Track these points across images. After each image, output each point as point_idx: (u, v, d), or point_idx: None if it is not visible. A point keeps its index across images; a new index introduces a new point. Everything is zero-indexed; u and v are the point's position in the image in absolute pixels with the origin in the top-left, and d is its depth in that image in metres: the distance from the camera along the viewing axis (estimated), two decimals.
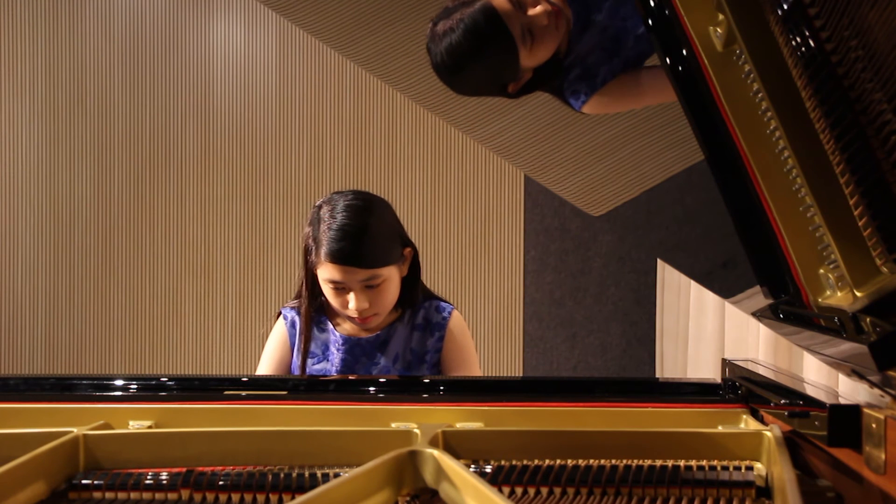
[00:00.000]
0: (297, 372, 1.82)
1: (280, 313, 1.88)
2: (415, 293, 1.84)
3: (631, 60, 1.59)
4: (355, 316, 1.73)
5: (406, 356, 1.82)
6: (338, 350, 1.81)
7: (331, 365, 1.81)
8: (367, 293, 1.70)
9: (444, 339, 1.83)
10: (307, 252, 1.74)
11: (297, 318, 1.83)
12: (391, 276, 1.73)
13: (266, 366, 1.85)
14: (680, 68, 0.97)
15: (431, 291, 1.91)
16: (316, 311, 1.84)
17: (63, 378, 1.37)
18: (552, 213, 3.93)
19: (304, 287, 1.81)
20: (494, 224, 3.99)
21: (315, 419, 1.23)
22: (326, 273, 1.70)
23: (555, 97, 1.70)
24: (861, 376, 0.87)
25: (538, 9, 1.50)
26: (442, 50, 1.54)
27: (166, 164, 4.13)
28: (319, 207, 1.75)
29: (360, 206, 1.72)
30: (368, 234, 1.69)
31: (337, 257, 1.67)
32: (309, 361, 1.83)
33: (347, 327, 1.83)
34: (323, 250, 1.68)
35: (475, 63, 1.54)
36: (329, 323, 1.84)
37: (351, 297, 1.70)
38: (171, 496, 1.00)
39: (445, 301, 1.88)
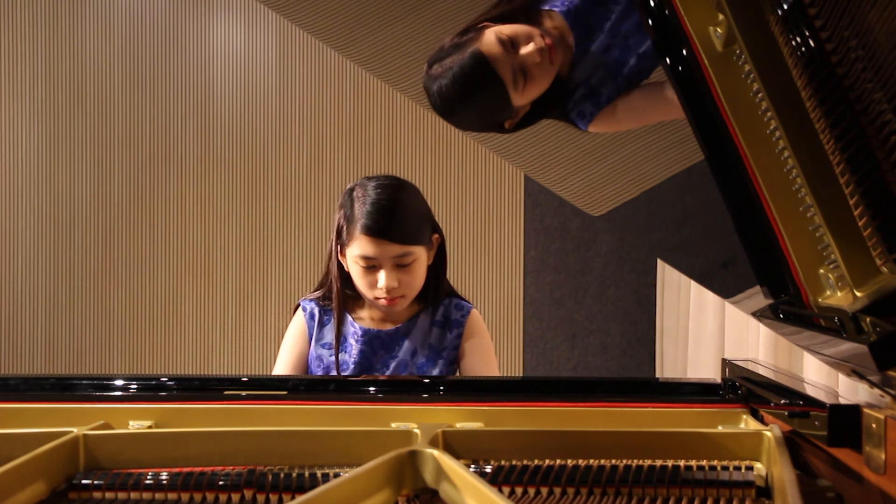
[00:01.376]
0: (325, 362, 1.82)
1: (299, 305, 1.89)
2: (440, 286, 1.86)
3: (634, 78, 1.59)
4: (383, 296, 1.74)
5: (424, 351, 1.83)
6: (356, 342, 1.81)
7: (349, 357, 1.82)
8: (397, 272, 1.73)
9: (462, 337, 1.84)
10: (339, 232, 1.77)
11: (315, 310, 1.85)
12: (420, 257, 1.76)
13: (284, 359, 1.86)
14: (680, 68, 0.97)
15: (454, 290, 1.92)
16: (335, 303, 1.85)
17: (63, 378, 1.37)
18: (552, 213, 3.93)
19: (332, 263, 1.82)
20: (494, 224, 3.99)
21: (315, 419, 1.23)
22: (359, 248, 1.72)
23: (561, 121, 1.69)
24: (861, 376, 0.87)
25: (530, 47, 1.49)
26: (434, 93, 1.57)
27: (166, 164, 4.13)
28: (352, 190, 1.78)
29: (395, 185, 1.77)
30: (402, 209, 1.74)
31: (372, 230, 1.70)
32: (326, 352, 1.83)
33: (367, 320, 1.84)
34: (358, 224, 1.71)
35: (466, 107, 1.56)
36: (348, 315, 1.85)
37: (381, 274, 1.72)
38: (171, 496, 1.00)
39: (465, 299, 1.90)
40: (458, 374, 1.89)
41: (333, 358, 1.82)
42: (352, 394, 1.32)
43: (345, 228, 1.75)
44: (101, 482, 1.00)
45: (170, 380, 1.37)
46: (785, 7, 0.79)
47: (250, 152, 4.09)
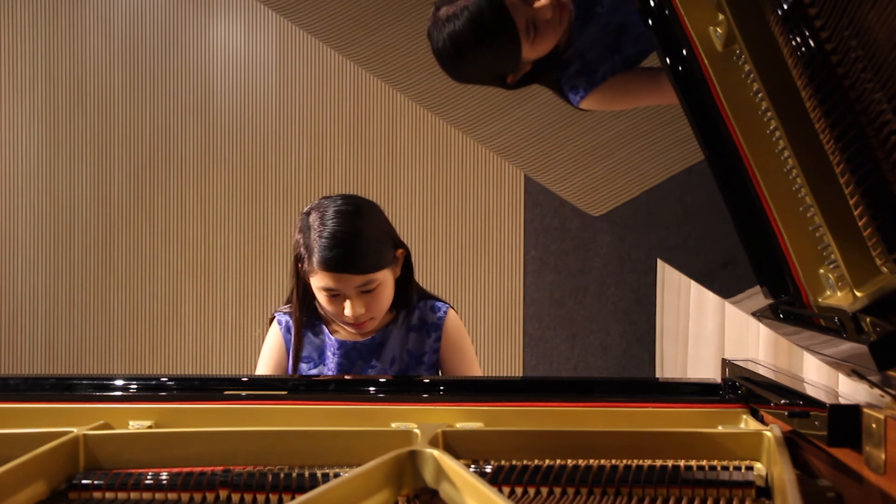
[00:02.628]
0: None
1: (273, 318, 1.86)
2: (409, 293, 1.82)
3: (632, 58, 1.58)
4: (351, 322, 1.71)
5: (403, 358, 1.80)
6: (333, 354, 1.79)
7: (327, 369, 1.79)
8: (363, 298, 1.69)
9: (442, 340, 1.81)
10: (298, 260, 1.73)
11: (291, 323, 1.82)
12: (386, 280, 1.72)
13: (263, 372, 1.84)
14: (680, 68, 0.97)
15: (425, 290, 1.89)
16: (310, 316, 1.82)
17: (63, 378, 1.37)
18: (552, 213, 3.93)
19: (295, 295, 1.79)
20: (494, 224, 3.99)
21: (315, 419, 1.23)
22: (320, 281, 1.68)
23: (553, 91, 1.69)
24: (861, 376, 0.87)
25: (544, 1, 1.49)
26: (444, 36, 1.51)
27: (166, 164, 4.13)
28: (308, 214, 1.73)
29: (351, 211, 1.70)
30: (361, 239, 1.67)
31: (331, 265, 1.64)
32: (304, 366, 1.81)
33: (342, 332, 1.81)
34: (315, 258, 1.65)
35: (476, 52, 1.52)
36: (324, 327, 1.82)
37: (347, 304, 1.68)
38: (171, 496, 1.00)
39: (440, 300, 1.86)
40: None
41: (312, 372, 1.80)
42: (352, 394, 1.32)
43: (305, 258, 1.70)
44: (101, 482, 1.00)
45: (170, 380, 1.36)
46: (785, 7, 0.79)
47: (250, 152, 4.09)
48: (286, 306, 1.85)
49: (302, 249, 1.71)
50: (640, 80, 1.59)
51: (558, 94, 1.67)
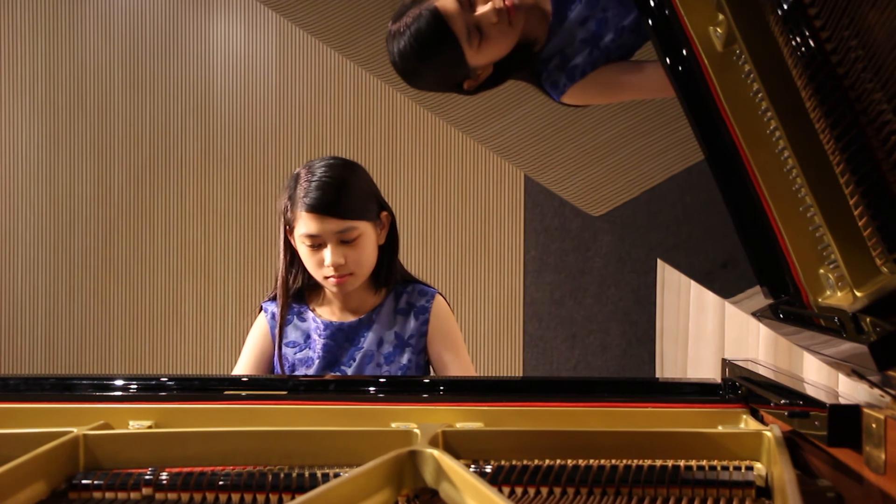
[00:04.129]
0: (290, 360, 1.81)
1: (261, 308, 1.88)
2: (392, 268, 1.84)
3: (613, 52, 1.58)
4: (331, 274, 1.72)
5: (390, 340, 1.80)
6: (320, 336, 1.80)
7: (313, 352, 1.80)
8: (343, 248, 1.71)
9: (429, 324, 1.81)
10: (285, 214, 1.77)
11: (277, 311, 1.83)
12: (367, 233, 1.74)
13: (246, 358, 1.85)
14: (680, 68, 0.97)
15: (412, 275, 1.90)
16: (295, 300, 1.85)
17: (63, 378, 1.37)
18: (552, 213, 3.93)
19: (281, 253, 1.82)
20: (494, 224, 3.99)
21: (315, 419, 1.23)
22: (303, 227, 1.71)
23: (534, 86, 1.70)
24: (861, 376, 0.87)
25: (486, 7, 1.51)
26: (394, 52, 1.58)
27: (166, 164, 4.13)
28: (297, 174, 1.78)
29: (339, 164, 1.77)
30: (344, 185, 1.73)
31: (312, 206, 1.69)
32: (290, 350, 1.82)
33: (328, 313, 1.83)
34: (300, 203, 1.71)
35: (424, 65, 1.58)
36: (310, 312, 1.84)
37: (326, 252, 1.71)
38: (171, 496, 1.00)
39: (428, 285, 1.87)
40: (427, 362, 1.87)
41: (298, 356, 1.81)
42: (352, 394, 1.32)
43: (289, 209, 1.75)
44: (101, 482, 1.00)
45: (170, 380, 1.37)
46: (785, 7, 0.79)
47: (250, 152, 4.09)
48: (273, 293, 1.87)
49: (287, 202, 1.76)
50: (620, 73, 1.60)
51: (539, 89, 1.68)
